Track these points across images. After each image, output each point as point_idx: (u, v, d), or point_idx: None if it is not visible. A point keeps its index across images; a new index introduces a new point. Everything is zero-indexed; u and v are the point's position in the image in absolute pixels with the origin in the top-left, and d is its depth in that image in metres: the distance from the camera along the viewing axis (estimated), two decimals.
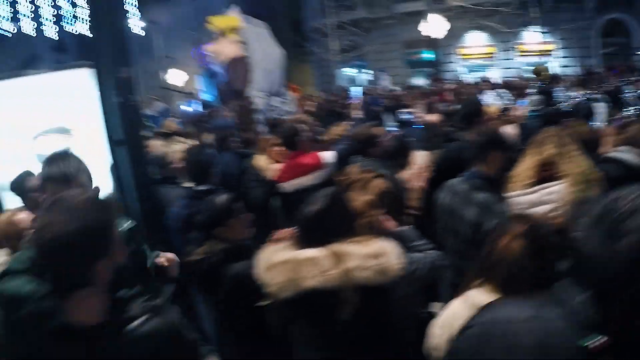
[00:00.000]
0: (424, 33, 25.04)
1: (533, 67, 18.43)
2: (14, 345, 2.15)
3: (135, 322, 1.87)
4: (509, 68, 28.80)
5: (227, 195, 4.08)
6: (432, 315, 3.15)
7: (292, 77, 44.28)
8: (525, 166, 3.85)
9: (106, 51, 5.67)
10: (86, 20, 21.20)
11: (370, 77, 34.40)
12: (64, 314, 1.87)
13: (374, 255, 2.73)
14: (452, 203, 4.25)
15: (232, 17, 11.50)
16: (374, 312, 2.78)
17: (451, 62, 31.33)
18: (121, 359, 1.87)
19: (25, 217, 4.03)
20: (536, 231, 2.44)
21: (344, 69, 34.10)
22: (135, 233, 3.02)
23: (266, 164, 6.46)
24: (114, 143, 5.49)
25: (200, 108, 21.20)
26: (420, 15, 27.95)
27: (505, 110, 8.54)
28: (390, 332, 2.88)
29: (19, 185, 4.95)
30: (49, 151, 7.22)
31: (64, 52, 25.87)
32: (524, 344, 1.49)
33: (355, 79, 35.77)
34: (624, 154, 4.48)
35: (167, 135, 9.38)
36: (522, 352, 1.50)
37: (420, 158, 5.65)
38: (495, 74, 26.77)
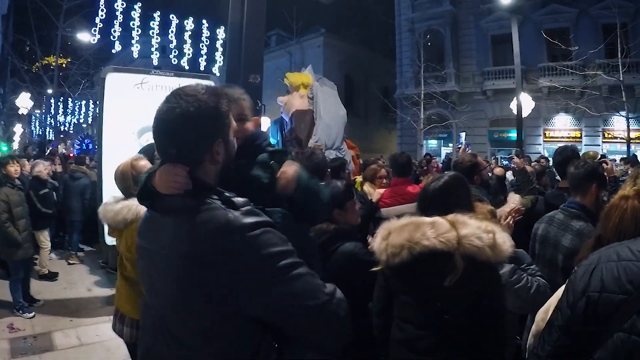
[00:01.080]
0: (512, 111, 25.04)
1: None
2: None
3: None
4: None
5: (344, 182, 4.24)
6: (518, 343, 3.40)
7: (378, 141, 45.04)
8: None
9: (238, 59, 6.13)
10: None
11: (450, 150, 34.72)
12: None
13: (487, 230, 2.82)
14: (548, 232, 4.45)
15: (306, 75, 12.27)
16: (476, 285, 2.83)
17: (535, 144, 31.15)
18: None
19: (145, 163, 4.34)
20: None
21: (428, 140, 34.43)
22: (277, 156, 2.85)
23: (371, 189, 6.93)
24: None
25: None
26: (508, 93, 27.88)
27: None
28: (487, 312, 2.88)
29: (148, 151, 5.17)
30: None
31: None
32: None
33: (439, 151, 36.14)
34: None
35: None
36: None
37: (514, 198, 5.56)
38: None
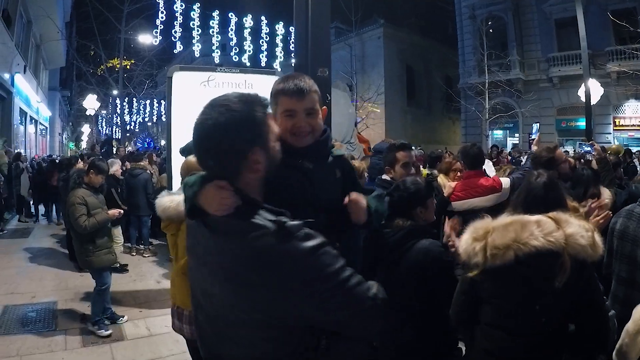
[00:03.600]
0: (580, 98, 24.17)
1: None
2: None
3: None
4: None
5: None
6: None
7: (441, 131, 44.62)
8: None
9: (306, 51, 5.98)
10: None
11: (517, 141, 34.05)
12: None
13: (587, 228, 2.80)
14: (627, 226, 4.28)
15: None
16: (578, 285, 2.82)
17: (605, 133, 30.14)
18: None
19: None
20: None
21: (493, 130, 33.76)
22: (341, 162, 2.90)
23: (445, 181, 6.99)
24: None
25: None
26: (575, 79, 27.01)
27: None
28: (588, 313, 2.92)
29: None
30: None
31: None
32: None
33: (504, 142, 35.43)
34: None
35: None
36: None
37: (607, 193, 5.70)
38: None
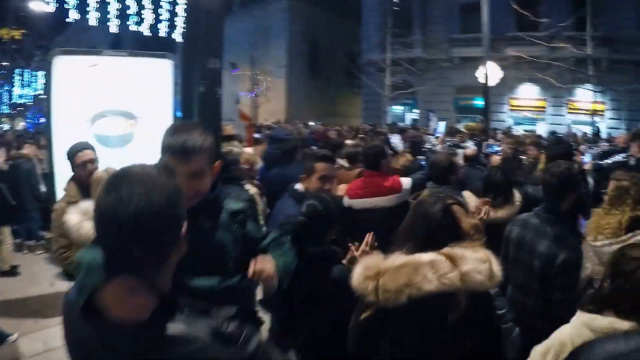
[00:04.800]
0: (479, 79, 25.21)
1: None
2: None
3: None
4: (558, 124, 29.06)
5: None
6: None
7: (342, 106, 45.05)
8: (617, 219, 3.99)
9: (197, 41, 5.52)
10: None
11: (416, 117, 34.90)
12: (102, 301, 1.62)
13: (483, 260, 2.73)
14: (523, 236, 4.36)
15: None
16: (480, 317, 2.84)
17: (500, 112, 31.52)
18: None
19: None
20: None
21: (393, 106, 34.35)
22: (241, 215, 2.78)
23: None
24: None
25: None
26: (475, 61, 27.79)
27: None
28: (491, 340, 2.98)
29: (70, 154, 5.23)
30: (110, 133, 7.35)
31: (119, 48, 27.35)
32: None
33: (403, 117, 36.33)
34: None
35: (224, 139, 9.28)
36: None
37: (517, 196, 5.75)
38: (542, 129, 27.54)
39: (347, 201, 5.90)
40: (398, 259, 2.77)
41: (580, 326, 2.60)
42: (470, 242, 2.90)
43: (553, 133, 21.25)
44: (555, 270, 3.91)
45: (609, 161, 9.12)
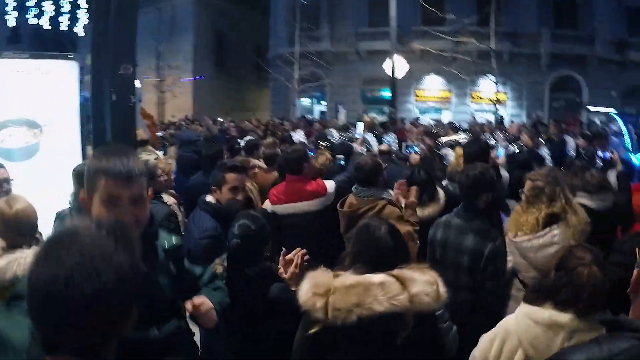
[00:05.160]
0: (386, 72, 25.88)
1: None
2: None
3: None
4: (462, 113, 31.17)
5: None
6: None
7: (250, 100, 44.85)
8: (535, 216, 4.31)
9: (107, 45, 4.99)
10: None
11: (324, 109, 35.33)
12: None
13: (431, 282, 2.79)
14: (447, 237, 4.55)
15: None
16: (426, 337, 2.94)
17: (407, 103, 32.62)
18: None
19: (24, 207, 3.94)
20: (599, 258, 2.79)
21: (301, 99, 34.35)
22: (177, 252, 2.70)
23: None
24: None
25: None
26: (382, 54, 28.57)
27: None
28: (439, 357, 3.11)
29: None
30: (13, 145, 6.47)
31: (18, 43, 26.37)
32: None
33: (312, 109, 36.61)
34: (584, 199, 5.26)
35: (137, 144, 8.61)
36: None
37: (441, 193, 5.84)
38: (447, 118, 29.39)
39: (270, 207, 5.78)
40: (349, 278, 2.80)
41: (523, 316, 2.83)
42: (416, 264, 2.97)
43: (451, 123, 22.04)
44: (484, 261, 4.19)
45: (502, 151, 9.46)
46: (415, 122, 21.94)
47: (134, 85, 5.23)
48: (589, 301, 2.63)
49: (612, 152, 8.35)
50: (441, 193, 5.81)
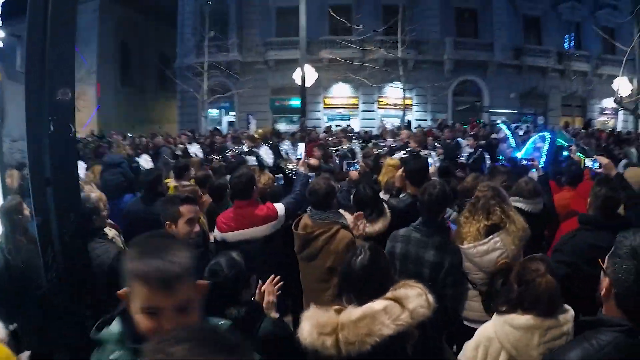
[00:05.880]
0: (296, 81, 26.03)
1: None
2: None
3: None
4: (370, 119, 32.48)
5: None
6: None
7: (157, 112, 44.07)
8: (476, 227, 4.67)
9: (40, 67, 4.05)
10: None
11: (233, 119, 35.24)
12: None
13: (420, 294, 2.97)
14: (407, 250, 4.75)
15: None
16: (430, 339, 3.07)
17: (316, 111, 33.07)
18: None
19: None
20: (550, 265, 3.30)
21: (209, 110, 33.91)
22: None
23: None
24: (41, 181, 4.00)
25: None
26: (290, 63, 28.85)
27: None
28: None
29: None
30: None
31: None
32: None
33: (220, 120, 36.33)
34: (519, 203, 5.73)
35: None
36: None
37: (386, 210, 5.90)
38: (355, 124, 30.44)
39: (219, 235, 5.64)
40: (353, 312, 2.87)
41: (502, 324, 3.23)
42: (402, 281, 3.15)
43: (344, 130, 22.33)
44: (445, 273, 4.52)
45: (396, 156, 9.48)
46: (329, 131, 22.15)
47: (73, 112, 4.21)
48: (550, 303, 3.14)
49: (532, 160, 8.75)
50: (386, 207, 5.88)
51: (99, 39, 39.84)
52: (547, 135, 10.82)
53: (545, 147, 10.44)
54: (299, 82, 24.64)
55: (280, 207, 5.74)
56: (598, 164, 6.15)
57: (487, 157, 10.78)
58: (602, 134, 21.74)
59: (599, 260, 2.60)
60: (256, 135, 14.45)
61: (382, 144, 12.96)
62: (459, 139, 14.56)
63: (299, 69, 24.83)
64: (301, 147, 9.04)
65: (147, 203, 6.48)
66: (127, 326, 1.97)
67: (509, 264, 4.02)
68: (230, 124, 33.28)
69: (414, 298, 2.93)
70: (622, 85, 29.18)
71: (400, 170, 6.68)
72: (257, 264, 4.41)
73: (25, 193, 5.53)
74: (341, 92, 34.28)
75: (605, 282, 2.44)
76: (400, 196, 6.36)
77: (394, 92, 31.18)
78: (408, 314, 2.84)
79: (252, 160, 10.55)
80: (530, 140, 11.25)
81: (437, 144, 13.19)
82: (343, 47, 29.63)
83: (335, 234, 5.00)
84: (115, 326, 2.03)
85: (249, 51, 34.48)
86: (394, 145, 12.20)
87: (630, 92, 25.21)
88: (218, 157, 10.56)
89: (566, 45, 35.48)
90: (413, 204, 5.65)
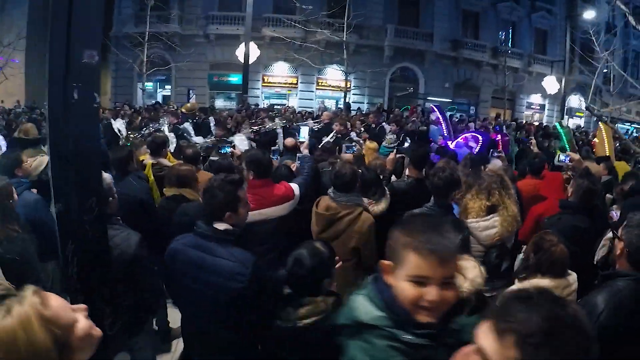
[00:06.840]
0: (238, 57, 25.95)
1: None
2: None
3: None
4: (308, 99, 33.07)
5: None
6: None
7: None
8: (479, 204, 5.19)
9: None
10: None
11: (168, 93, 34.62)
12: None
13: (475, 266, 3.08)
14: None
15: None
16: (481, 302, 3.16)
17: (254, 88, 32.83)
18: None
19: None
20: (560, 238, 4.10)
21: (146, 83, 31.61)
22: None
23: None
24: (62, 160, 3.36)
25: None
26: (231, 38, 28.84)
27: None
28: None
29: None
30: None
31: None
32: None
33: (155, 94, 35.60)
34: None
35: (28, 144, 7.62)
36: None
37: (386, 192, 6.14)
38: (293, 103, 30.99)
39: None
40: None
41: (528, 286, 3.52)
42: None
43: (266, 109, 22.55)
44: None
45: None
46: (270, 108, 22.10)
47: (99, 79, 3.74)
48: (562, 267, 4.01)
49: (500, 152, 9.58)
50: (386, 189, 6.10)
51: (30, 1, 38.30)
52: (480, 138, 10.93)
53: (477, 149, 10.43)
54: (240, 58, 24.60)
55: (295, 187, 5.75)
56: (569, 158, 7.77)
57: (407, 143, 10.89)
58: (530, 127, 22.98)
59: (612, 230, 3.90)
60: (184, 110, 14.36)
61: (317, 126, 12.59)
62: (384, 124, 15.14)
63: (241, 45, 24.79)
64: (304, 130, 8.97)
65: (116, 183, 5.48)
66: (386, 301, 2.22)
67: (503, 241, 5.05)
68: (166, 97, 32.51)
69: (471, 269, 3.04)
70: (550, 83, 31.56)
71: (392, 154, 7.43)
72: (273, 241, 4.74)
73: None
74: (281, 71, 34.40)
75: (620, 245, 3.38)
76: (405, 178, 6.92)
77: (333, 74, 31.96)
78: (469, 282, 2.93)
79: (172, 137, 10.25)
80: (463, 135, 11.38)
81: (362, 129, 13.51)
82: (287, 26, 29.83)
83: (359, 215, 5.24)
84: (368, 307, 2.26)
85: (189, 23, 33.82)
86: (315, 127, 11.98)
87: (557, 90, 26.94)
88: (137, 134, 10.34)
89: (501, 42, 37.31)
90: (415, 185, 6.36)
